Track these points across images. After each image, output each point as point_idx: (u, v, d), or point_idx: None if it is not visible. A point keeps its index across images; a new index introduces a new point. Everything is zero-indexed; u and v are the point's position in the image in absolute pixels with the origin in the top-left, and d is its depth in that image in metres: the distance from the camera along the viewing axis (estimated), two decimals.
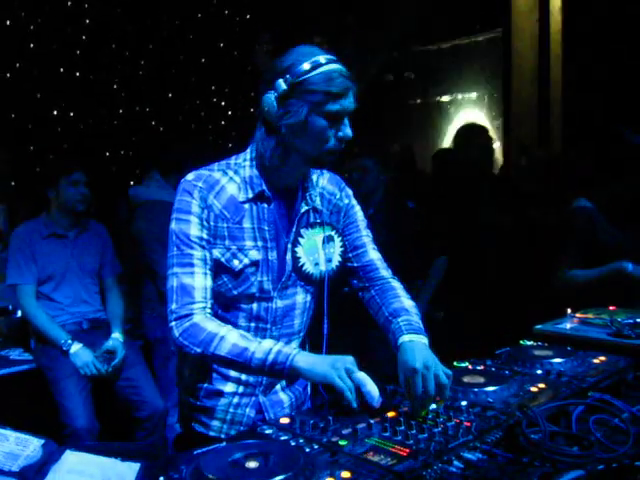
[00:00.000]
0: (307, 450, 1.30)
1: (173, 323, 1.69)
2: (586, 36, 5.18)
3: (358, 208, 1.96)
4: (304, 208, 1.81)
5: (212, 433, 1.85)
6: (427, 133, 7.52)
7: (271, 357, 1.59)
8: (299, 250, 1.80)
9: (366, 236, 1.94)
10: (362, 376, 1.54)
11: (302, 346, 1.91)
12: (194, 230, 1.71)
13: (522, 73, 5.74)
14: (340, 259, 1.89)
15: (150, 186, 3.97)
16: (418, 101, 7.72)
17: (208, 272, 1.72)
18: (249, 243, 1.74)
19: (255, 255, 1.74)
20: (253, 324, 1.80)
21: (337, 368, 1.54)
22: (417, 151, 6.24)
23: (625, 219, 2.91)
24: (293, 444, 1.34)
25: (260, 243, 1.75)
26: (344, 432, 1.38)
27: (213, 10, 6.77)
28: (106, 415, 3.42)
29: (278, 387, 1.89)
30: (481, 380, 1.68)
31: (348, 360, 1.57)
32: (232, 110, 6.96)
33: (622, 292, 2.68)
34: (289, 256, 1.79)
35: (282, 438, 1.38)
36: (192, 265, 1.70)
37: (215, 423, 1.85)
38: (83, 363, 3.37)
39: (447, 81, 7.36)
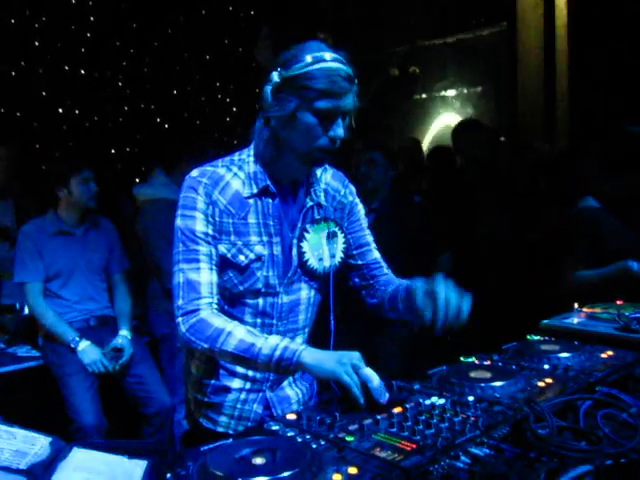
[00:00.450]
0: (314, 446, 1.29)
1: (180, 319, 1.70)
2: (592, 31, 5.15)
3: (361, 206, 1.97)
4: (309, 203, 1.81)
5: (220, 429, 1.86)
6: (432, 128, 7.49)
7: (278, 353, 1.59)
8: (304, 245, 1.80)
9: (369, 235, 1.96)
10: (369, 372, 1.53)
11: (307, 342, 1.91)
12: (199, 226, 1.71)
13: (528, 68, 5.71)
14: (342, 255, 1.89)
15: (154, 184, 3.97)
16: (423, 96, 7.69)
17: (214, 268, 1.73)
18: (254, 238, 1.75)
19: (260, 250, 1.75)
20: (259, 320, 1.81)
21: (344, 364, 1.54)
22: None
23: (632, 216, 2.90)
24: (300, 440, 1.34)
25: (265, 238, 1.76)
26: (351, 428, 1.38)
27: (217, 7, 6.77)
28: (114, 412, 3.43)
29: (285, 383, 1.90)
30: (488, 375, 1.68)
31: (355, 356, 1.57)
32: (237, 106, 6.97)
33: (629, 291, 2.67)
34: (295, 251, 1.79)
35: (289, 434, 1.38)
36: (198, 261, 1.70)
37: (223, 419, 1.86)
38: (91, 361, 3.38)
39: (452, 75, 7.33)
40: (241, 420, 1.85)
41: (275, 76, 1.64)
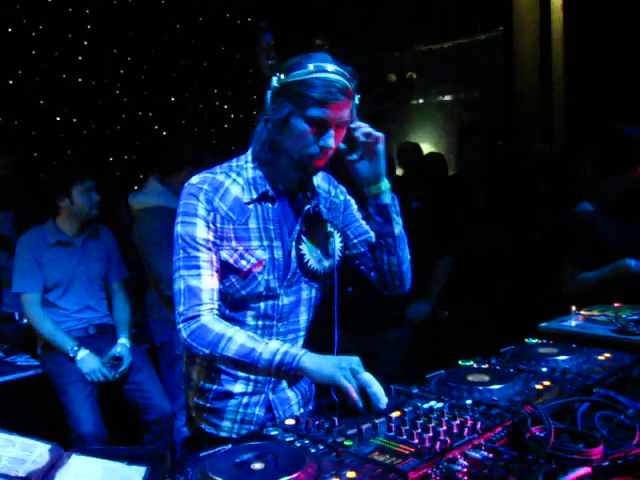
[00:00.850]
0: (313, 451, 1.30)
1: (181, 325, 1.71)
2: (587, 34, 5.17)
3: (353, 201, 2.01)
4: (306, 206, 1.83)
5: (223, 434, 1.86)
6: (430, 133, 7.51)
7: (278, 358, 1.61)
8: (303, 247, 1.82)
9: (365, 224, 1.98)
10: (368, 377, 1.54)
11: (306, 343, 1.92)
12: (200, 232, 1.73)
13: (524, 72, 5.73)
14: (340, 254, 1.91)
15: (149, 192, 3.95)
16: (420, 101, 7.71)
17: (214, 274, 1.74)
18: (255, 243, 1.76)
19: (261, 254, 1.76)
20: (260, 322, 1.82)
21: (343, 368, 1.55)
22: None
23: (627, 216, 2.92)
24: (299, 445, 1.34)
25: (266, 242, 1.77)
26: (349, 432, 1.38)
27: (214, 14, 6.79)
28: (113, 420, 3.42)
29: (285, 384, 1.91)
30: (486, 378, 1.68)
31: (354, 361, 1.58)
32: (235, 113, 6.98)
33: (627, 290, 2.68)
34: (294, 254, 1.81)
35: (288, 439, 1.38)
36: (199, 267, 1.72)
37: (226, 424, 1.86)
38: (90, 370, 3.37)
39: (449, 80, 7.34)
40: (244, 424, 1.85)
41: (274, 81, 1.68)
